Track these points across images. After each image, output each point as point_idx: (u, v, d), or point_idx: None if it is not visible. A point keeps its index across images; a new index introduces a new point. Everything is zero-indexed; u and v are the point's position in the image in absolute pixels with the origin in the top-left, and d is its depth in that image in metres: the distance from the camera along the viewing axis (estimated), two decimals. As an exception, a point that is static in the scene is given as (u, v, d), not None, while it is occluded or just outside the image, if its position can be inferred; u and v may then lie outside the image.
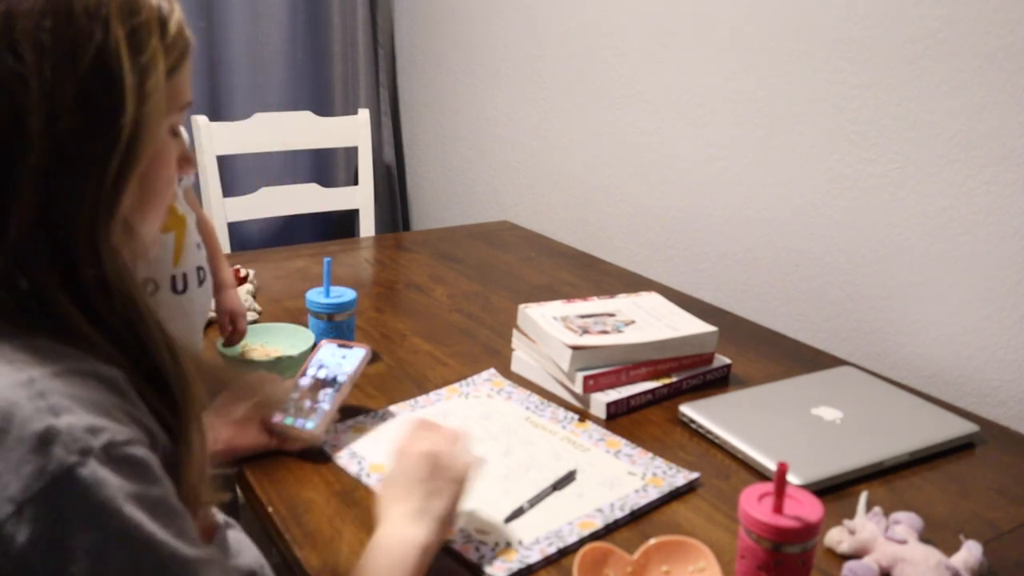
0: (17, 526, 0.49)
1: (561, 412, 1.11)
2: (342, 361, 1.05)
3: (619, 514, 0.89)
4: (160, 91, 0.59)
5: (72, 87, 0.55)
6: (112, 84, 0.56)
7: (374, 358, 1.25)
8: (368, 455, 0.99)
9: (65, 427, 0.51)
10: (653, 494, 0.93)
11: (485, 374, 1.21)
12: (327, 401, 0.99)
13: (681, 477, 0.96)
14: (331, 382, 1.02)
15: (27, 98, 0.54)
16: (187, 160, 0.69)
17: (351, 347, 1.07)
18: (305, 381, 1.02)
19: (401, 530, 0.75)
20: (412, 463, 0.80)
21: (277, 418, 0.96)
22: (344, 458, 0.98)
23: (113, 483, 0.51)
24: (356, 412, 1.08)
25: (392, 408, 1.10)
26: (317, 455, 0.98)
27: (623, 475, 0.97)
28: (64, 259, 0.57)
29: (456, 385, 1.17)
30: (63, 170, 0.55)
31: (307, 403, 0.98)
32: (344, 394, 1.01)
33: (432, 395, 1.14)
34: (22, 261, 0.56)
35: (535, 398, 1.14)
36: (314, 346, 1.11)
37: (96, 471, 0.50)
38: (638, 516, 0.90)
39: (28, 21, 0.53)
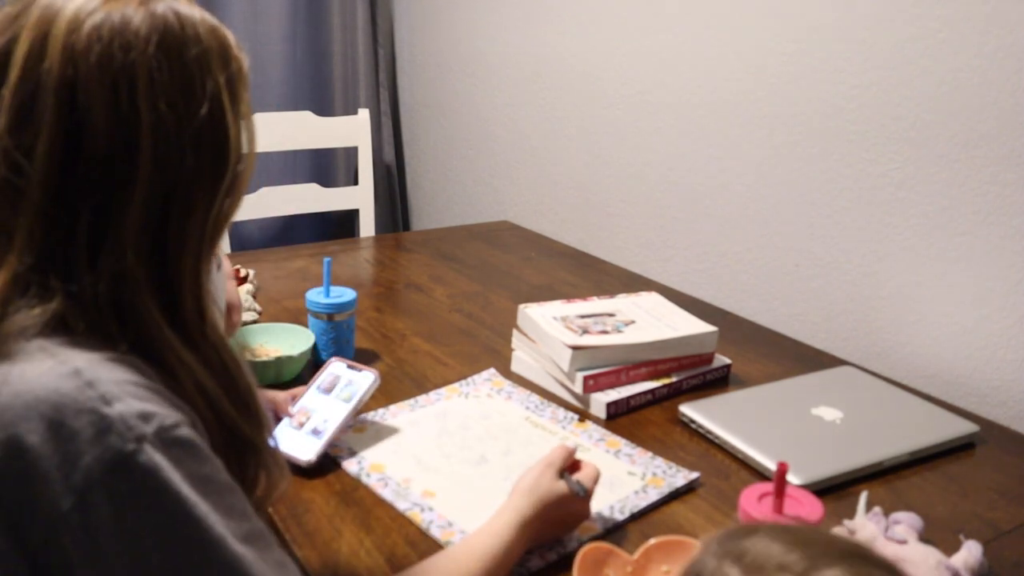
0: (82, 514, 0.51)
1: (561, 412, 1.11)
2: (347, 388, 1.02)
3: (619, 517, 0.89)
4: (254, 137, 0.64)
5: (189, 129, 0.58)
6: (222, 131, 0.60)
7: (374, 358, 1.25)
8: (368, 455, 0.99)
9: (118, 415, 0.52)
10: (653, 495, 0.93)
11: (485, 374, 1.21)
12: (325, 433, 0.97)
13: (681, 477, 0.96)
14: (333, 410, 0.99)
15: (139, 127, 0.56)
16: None
17: (360, 370, 1.04)
18: (307, 402, 1.01)
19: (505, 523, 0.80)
20: (577, 511, 0.85)
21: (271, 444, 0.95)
22: (344, 458, 0.98)
23: (169, 466, 0.53)
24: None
25: (392, 408, 1.10)
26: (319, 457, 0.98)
27: (623, 475, 0.97)
28: (167, 291, 0.60)
29: (456, 385, 1.17)
30: (175, 207, 0.59)
31: (303, 432, 0.97)
32: (344, 425, 0.98)
33: (432, 395, 1.14)
34: (120, 284, 0.58)
35: (535, 398, 1.14)
36: (323, 361, 1.09)
37: (152, 456, 0.52)
38: (638, 516, 0.90)
39: (145, 56, 0.57)
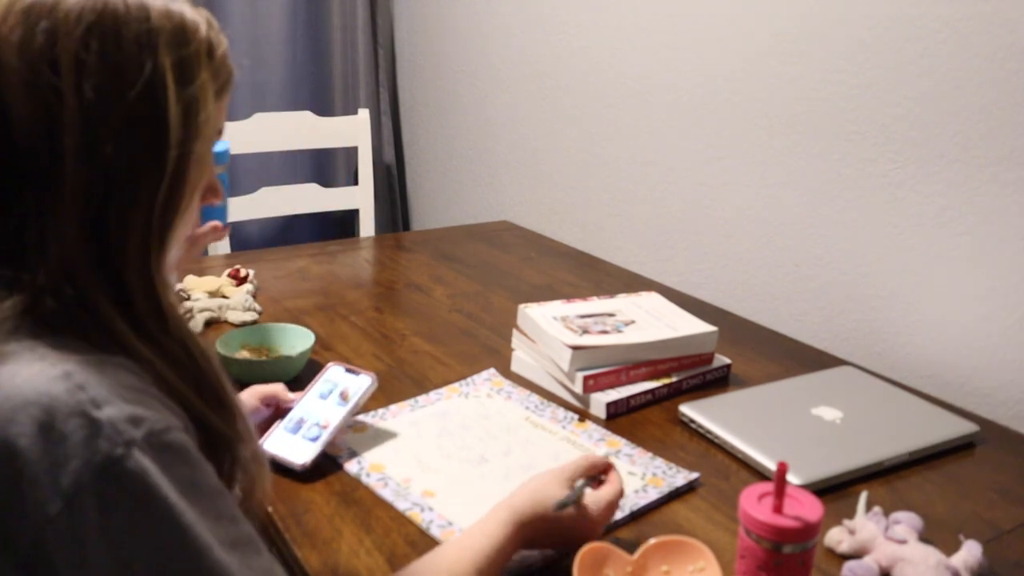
0: (70, 518, 0.50)
1: (561, 412, 1.11)
2: (344, 391, 1.01)
3: (618, 515, 0.89)
4: (208, 124, 0.61)
5: (118, 112, 0.56)
6: (158, 114, 0.57)
7: (374, 358, 1.25)
8: (368, 455, 0.99)
9: (107, 419, 0.52)
10: (653, 495, 0.93)
11: (485, 374, 1.20)
12: (321, 437, 0.96)
13: (681, 477, 0.96)
14: (330, 414, 0.99)
15: (62, 112, 0.54)
16: (214, 190, 0.70)
17: (358, 373, 1.04)
18: (304, 407, 1.00)
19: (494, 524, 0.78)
20: (573, 523, 0.80)
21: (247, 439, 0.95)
22: (344, 458, 0.98)
23: (158, 471, 0.52)
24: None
25: (392, 408, 1.10)
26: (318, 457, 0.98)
27: (623, 475, 0.96)
28: (115, 286, 0.58)
29: (456, 385, 1.17)
30: (112, 196, 0.57)
31: (299, 436, 0.97)
32: (340, 428, 0.98)
33: (432, 395, 1.14)
34: (69, 276, 0.57)
35: (535, 398, 1.14)
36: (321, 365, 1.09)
37: (141, 461, 0.52)
38: (638, 516, 0.90)
39: (71, 39, 0.55)
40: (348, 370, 1.05)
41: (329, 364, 1.06)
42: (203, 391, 0.62)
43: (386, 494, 0.92)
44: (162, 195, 0.59)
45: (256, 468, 0.66)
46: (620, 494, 0.84)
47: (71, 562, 0.51)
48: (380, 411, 1.09)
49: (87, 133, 0.55)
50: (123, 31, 0.56)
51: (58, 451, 0.51)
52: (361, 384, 1.02)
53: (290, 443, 0.96)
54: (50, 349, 0.55)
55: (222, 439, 0.63)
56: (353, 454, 0.99)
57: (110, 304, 0.58)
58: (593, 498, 0.82)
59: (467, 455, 1.00)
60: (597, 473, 0.85)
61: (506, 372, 1.22)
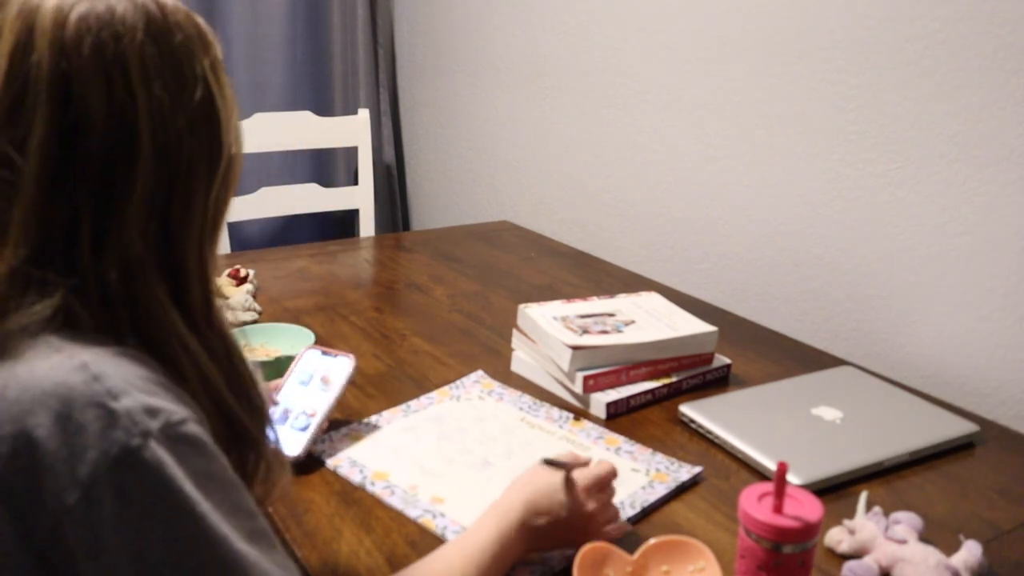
0: (86, 508, 0.51)
1: (555, 412, 1.10)
2: (323, 384, 1.01)
3: (630, 512, 0.89)
4: (239, 120, 0.65)
5: (183, 112, 0.59)
6: (213, 112, 0.61)
7: (374, 358, 1.25)
8: (370, 463, 0.97)
9: (124, 410, 0.52)
10: (660, 489, 0.93)
11: (473, 376, 1.20)
12: (310, 427, 0.97)
13: (685, 471, 0.97)
14: (314, 401, 0.99)
15: (137, 116, 0.57)
16: None
17: (336, 356, 1.04)
18: (286, 396, 1.00)
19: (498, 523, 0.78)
20: (565, 501, 0.80)
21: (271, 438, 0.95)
22: (345, 467, 0.96)
23: (173, 463, 0.53)
24: (350, 419, 1.07)
25: (385, 414, 1.09)
26: (316, 461, 0.98)
27: (627, 472, 0.97)
28: (175, 277, 0.61)
29: (446, 388, 1.16)
30: (177, 192, 0.60)
31: (287, 427, 0.97)
32: (327, 416, 0.98)
33: (423, 399, 1.13)
34: (132, 274, 0.59)
35: (527, 398, 1.14)
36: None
37: (157, 452, 0.52)
38: (649, 512, 0.90)
39: (134, 44, 0.57)
40: (324, 353, 1.05)
41: (304, 349, 1.06)
42: (235, 387, 0.63)
43: (394, 502, 0.91)
44: (216, 189, 0.62)
45: (278, 467, 0.68)
46: (612, 472, 0.84)
47: (88, 551, 0.51)
48: (374, 417, 1.08)
49: (159, 134, 0.58)
50: (170, 37, 0.59)
51: (75, 441, 0.51)
52: (340, 367, 1.02)
53: (280, 434, 0.96)
54: (66, 342, 0.55)
55: (248, 437, 0.64)
56: (353, 463, 0.97)
57: (167, 296, 0.60)
58: (580, 473, 0.83)
59: (469, 459, 1.00)
60: (580, 464, 0.85)
61: (506, 372, 1.22)
